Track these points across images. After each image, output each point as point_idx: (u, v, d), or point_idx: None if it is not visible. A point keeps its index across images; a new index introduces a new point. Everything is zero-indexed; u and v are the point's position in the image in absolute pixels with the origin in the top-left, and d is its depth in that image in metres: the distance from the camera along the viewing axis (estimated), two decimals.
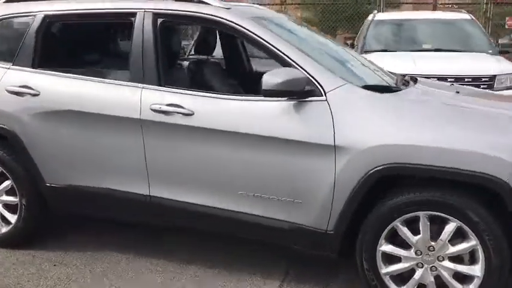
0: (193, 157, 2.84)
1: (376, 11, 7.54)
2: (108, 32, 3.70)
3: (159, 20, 3.00)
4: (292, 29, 3.25)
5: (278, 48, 2.75)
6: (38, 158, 3.17)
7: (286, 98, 2.65)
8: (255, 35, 2.81)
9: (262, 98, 2.73)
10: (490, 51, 6.55)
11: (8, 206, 3.38)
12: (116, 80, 3.03)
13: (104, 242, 3.46)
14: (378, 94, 2.69)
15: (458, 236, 2.49)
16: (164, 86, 2.94)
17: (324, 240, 2.70)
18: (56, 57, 3.29)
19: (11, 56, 3.28)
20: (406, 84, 3.11)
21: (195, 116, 2.79)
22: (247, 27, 2.83)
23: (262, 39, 2.79)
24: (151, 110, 2.86)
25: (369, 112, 2.59)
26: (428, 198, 2.49)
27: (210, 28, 3.60)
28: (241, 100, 2.80)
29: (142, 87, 2.93)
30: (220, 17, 2.88)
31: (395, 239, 2.60)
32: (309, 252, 3.10)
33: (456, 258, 2.52)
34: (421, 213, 2.50)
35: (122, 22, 3.24)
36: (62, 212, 3.39)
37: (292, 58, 2.71)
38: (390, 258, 2.63)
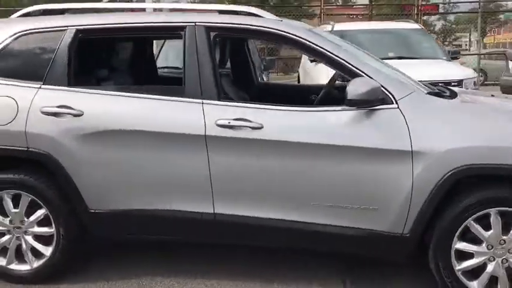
0: (263, 170, 2.80)
1: (333, 22, 7.84)
2: (151, 47, 3.53)
3: (212, 34, 2.94)
4: (337, 41, 3.31)
5: (345, 59, 2.81)
6: (81, 183, 2.94)
7: (355, 107, 2.72)
8: (319, 47, 2.85)
9: (333, 108, 2.79)
10: (445, 58, 7.08)
11: (39, 238, 3.10)
12: (168, 96, 2.91)
13: (147, 267, 3.27)
14: (444, 100, 2.84)
15: None
16: (224, 100, 2.88)
17: (398, 243, 2.78)
18: (96, 74, 3.10)
19: (39, 74, 3.01)
20: (446, 90, 3.29)
21: (265, 129, 2.76)
22: (310, 40, 2.86)
23: (328, 51, 2.84)
24: (218, 125, 2.78)
25: (441, 117, 2.73)
26: (498, 195, 2.67)
27: (226, 41, 3.57)
28: (312, 111, 2.82)
29: (202, 103, 2.84)
30: (281, 30, 2.88)
31: (465, 236, 2.75)
32: (362, 259, 3.20)
33: None
34: (492, 210, 2.67)
35: (169, 36, 3.12)
36: (105, 238, 3.17)
37: (361, 68, 2.78)
38: (462, 255, 2.77)
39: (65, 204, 3.01)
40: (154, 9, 3.19)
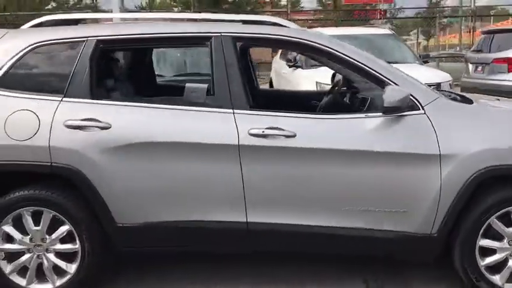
0: (296, 178, 2.84)
1: (305, 29, 7.95)
2: (175, 57, 3.49)
3: (238, 44, 2.96)
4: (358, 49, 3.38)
5: (373, 68, 2.91)
6: (109, 197, 2.88)
7: (383, 114, 2.82)
8: (348, 56, 2.93)
9: (362, 115, 2.88)
10: (417, 62, 7.36)
11: (62, 255, 3.00)
12: (197, 106, 2.90)
13: (173, 278, 3.25)
14: (465, 105, 2.99)
15: None
16: (253, 110, 2.91)
17: (426, 243, 2.90)
18: (119, 86, 3.04)
19: (59, 87, 2.93)
20: (458, 96, 3.44)
21: (298, 137, 2.81)
22: (339, 50, 2.95)
23: (353, 59, 2.93)
24: (250, 134, 2.80)
25: (465, 121, 2.88)
26: None
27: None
28: (342, 118, 2.89)
29: (233, 112, 2.86)
30: (312, 41, 2.94)
31: (487, 233, 2.90)
32: (382, 261, 3.30)
33: None
34: None
35: (192, 46, 3.11)
36: (131, 252, 3.10)
37: (388, 77, 2.89)
38: (484, 251, 2.92)
39: (91, 219, 2.93)
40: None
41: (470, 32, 15.13)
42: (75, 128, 2.85)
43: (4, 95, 2.93)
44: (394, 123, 2.82)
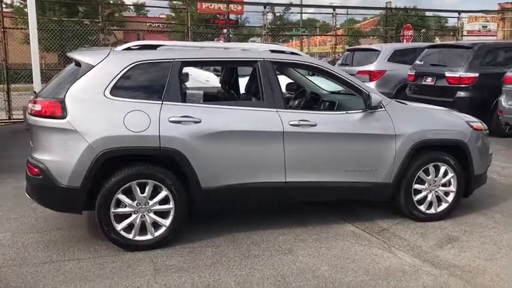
0: (316, 151, 4.51)
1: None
2: (233, 73, 4.83)
3: (275, 66, 4.53)
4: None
5: (352, 80, 4.73)
6: (199, 169, 4.18)
7: (369, 110, 4.64)
8: (338, 73, 4.71)
9: (355, 111, 4.66)
10: None
11: (158, 213, 4.21)
12: (253, 107, 4.40)
13: (229, 227, 4.66)
14: (404, 105, 4.98)
15: None
16: (288, 109, 4.50)
17: (388, 189, 4.80)
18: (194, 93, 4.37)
19: (157, 94, 4.16)
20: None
21: (317, 126, 4.48)
22: (331, 69, 4.71)
23: (341, 75, 4.72)
24: (290, 124, 4.39)
25: (406, 114, 4.86)
26: (432, 156, 4.91)
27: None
28: (344, 113, 4.64)
29: (277, 111, 4.41)
30: (314, 63, 4.66)
31: (417, 180, 4.91)
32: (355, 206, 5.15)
33: None
34: (430, 165, 4.90)
35: (242, 66, 4.58)
36: (207, 209, 4.44)
37: (362, 87, 4.72)
38: (415, 192, 4.92)
39: (182, 187, 4.21)
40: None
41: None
42: (176, 123, 4.12)
43: (119, 100, 4.06)
44: (370, 116, 4.66)
